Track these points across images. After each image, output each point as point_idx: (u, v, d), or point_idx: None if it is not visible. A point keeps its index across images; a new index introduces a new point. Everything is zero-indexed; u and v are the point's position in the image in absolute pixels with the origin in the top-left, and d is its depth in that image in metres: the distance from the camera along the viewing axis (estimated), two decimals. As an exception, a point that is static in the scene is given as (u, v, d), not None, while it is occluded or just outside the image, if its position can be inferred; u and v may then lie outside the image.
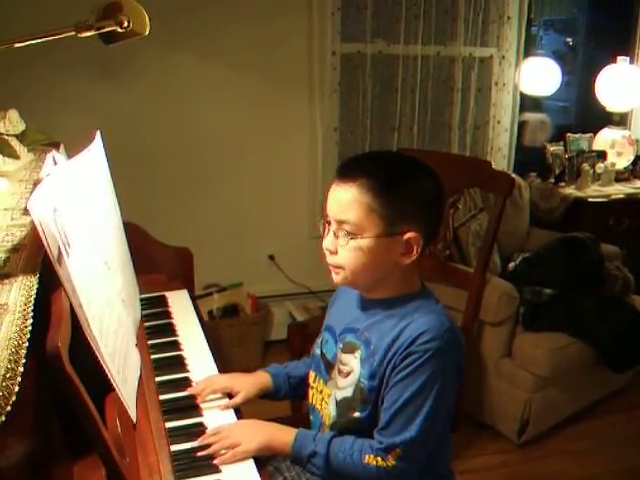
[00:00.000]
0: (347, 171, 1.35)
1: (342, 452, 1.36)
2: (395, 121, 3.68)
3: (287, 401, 2.13)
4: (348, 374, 1.42)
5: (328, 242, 1.38)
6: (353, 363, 1.41)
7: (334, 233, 1.36)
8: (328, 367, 1.50)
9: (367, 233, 1.32)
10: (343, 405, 1.43)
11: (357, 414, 1.40)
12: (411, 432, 1.30)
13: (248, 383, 1.58)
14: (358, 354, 1.41)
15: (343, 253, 1.35)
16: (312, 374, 1.57)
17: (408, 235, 1.33)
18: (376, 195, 1.30)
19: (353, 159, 1.42)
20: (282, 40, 3.36)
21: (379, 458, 1.33)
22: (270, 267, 3.61)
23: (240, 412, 1.52)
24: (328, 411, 1.47)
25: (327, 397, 1.49)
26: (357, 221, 1.31)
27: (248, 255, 3.52)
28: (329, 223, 1.38)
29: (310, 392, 1.57)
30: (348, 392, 1.41)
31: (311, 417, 1.56)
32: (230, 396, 1.55)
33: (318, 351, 1.55)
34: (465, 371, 2.82)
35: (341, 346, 1.46)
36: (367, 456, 1.34)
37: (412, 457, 1.33)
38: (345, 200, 1.32)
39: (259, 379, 1.62)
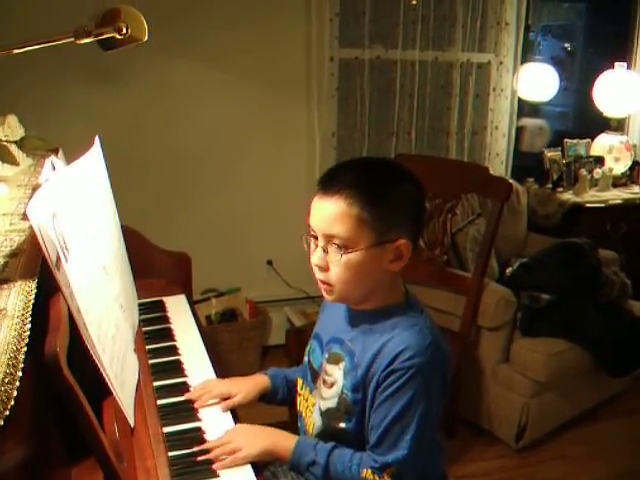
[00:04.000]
0: (330, 183, 1.31)
1: (341, 464, 1.35)
2: (393, 126, 3.69)
3: (284, 408, 2.13)
4: (332, 385, 1.42)
5: (317, 258, 1.33)
6: (337, 374, 1.41)
7: (323, 248, 1.32)
8: (314, 376, 1.50)
9: (359, 245, 1.29)
10: (328, 415, 1.43)
11: (342, 425, 1.40)
12: (403, 450, 1.30)
13: (246, 387, 1.58)
14: (342, 365, 1.40)
15: (334, 269, 1.32)
16: (300, 381, 1.57)
17: (399, 242, 1.32)
18: (365, 206, 1.27)
19: (334, 170, 1.37)
20: (280, 45, 3.37)
21: (376, 475, 1.32)
22: (268, 272, 3.62)
23: (237, 416, 1.52)
24: (312, 420, 1.48)
25: (312, 406, 1.49)
26: (348, 235, 1.28)
27: (246, 260, 3.52)
28: (316, 238, 1.34)
29: (298, 399, 1.57)
30: (332, 403, 1.41)
31: (298, 424, 1.56)
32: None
33: (306, 359, 1.55)
34: (462, 376, 2.83)
35: (327, 356, 1.45)
36: (365, 470, 1.33)
37: (406, 474, 1.32)
38: (332, 214, 1.29)
39: (257, 381, 1.62)
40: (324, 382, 1.44)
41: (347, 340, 1.41)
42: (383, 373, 1.31)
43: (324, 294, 1.39)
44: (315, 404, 1.47)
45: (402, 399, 1.29)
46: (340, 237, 1.29)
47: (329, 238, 1.31)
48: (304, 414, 1.52)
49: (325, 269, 1.34)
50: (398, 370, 1.29)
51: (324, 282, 1.36)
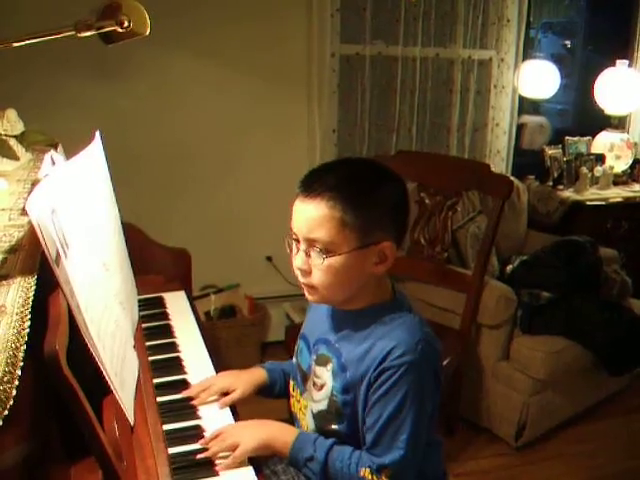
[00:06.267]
0: (312, 185, 1.28)
1: (340, 461, 1.34)
2: (394, 123, 3.68)
3: (284, 405, 2.12)
4: (321, 387, 1.40)
5: (300, 262, 1.31)
6: (326, 376, 1.39)
7: (305, 252, 1.30)
8: (303, 378, 1.49)
9: (341, 249, 1.26)
10: (320, 418, 1.42)
11: (335, 426, 1.39)
12: (400, 451, 1.28)
13: (244, 382, 1.57)
14: (330, 367, 1.39)
15: (317, 273, 1.30)
16: (292, 383, 1.56)
17: (383, 244, 1.30)
18: (347, 208, 1.24)
19: (315, 172, 1.33)
20: (281, 41, 3.35)
21: (374, 475, 1.31)
22: (267, 268, 3.60)
23: (237, 413, 1.51)
24: (306, 422, 1.47)
25: (304, 408, 1.48)
26: (330, 238, 1.26)
27: (245, 256, 3.51)
28: (297, 241, 1.32)
29: (291, 400, 1.56)
30: (323, 405, 1.40)
31: (295, 425, 1.54)
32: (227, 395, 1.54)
33: (295, 360, 1.54)
34: (462, 374, 2.83)
35: (315, 357, 1.44)
36: (363, 469, 1.32)
37: (403, 474, 1.32)
38: (314, 217, 1.26)
39: (255, 375, 1.61)
40: (314, 384, 1.43)
41: (334, 341, 1.40)
42: (375, 372, 1.29)
43: (307, 295, 1.37)
44: (307, 407, 1.46)
45: (395, 397, 1.28)
46: (322, 241, 1.26)
47: (311, 242, 1.28)
48: (298, 416, 1.51)
49: (308, 273, 1.32)
50: (390, 368, 1.27)
51: (307, 285, 1.34)
